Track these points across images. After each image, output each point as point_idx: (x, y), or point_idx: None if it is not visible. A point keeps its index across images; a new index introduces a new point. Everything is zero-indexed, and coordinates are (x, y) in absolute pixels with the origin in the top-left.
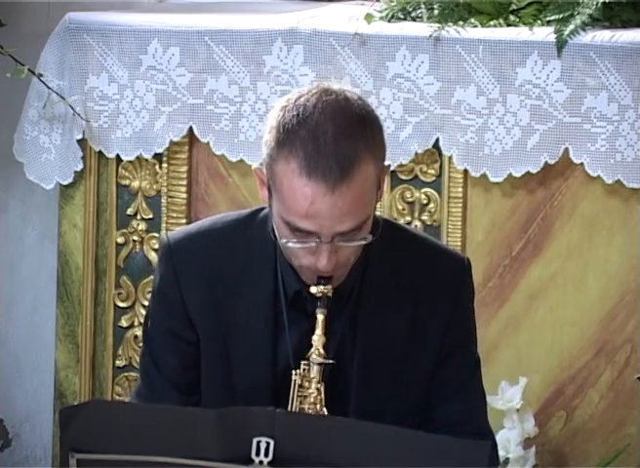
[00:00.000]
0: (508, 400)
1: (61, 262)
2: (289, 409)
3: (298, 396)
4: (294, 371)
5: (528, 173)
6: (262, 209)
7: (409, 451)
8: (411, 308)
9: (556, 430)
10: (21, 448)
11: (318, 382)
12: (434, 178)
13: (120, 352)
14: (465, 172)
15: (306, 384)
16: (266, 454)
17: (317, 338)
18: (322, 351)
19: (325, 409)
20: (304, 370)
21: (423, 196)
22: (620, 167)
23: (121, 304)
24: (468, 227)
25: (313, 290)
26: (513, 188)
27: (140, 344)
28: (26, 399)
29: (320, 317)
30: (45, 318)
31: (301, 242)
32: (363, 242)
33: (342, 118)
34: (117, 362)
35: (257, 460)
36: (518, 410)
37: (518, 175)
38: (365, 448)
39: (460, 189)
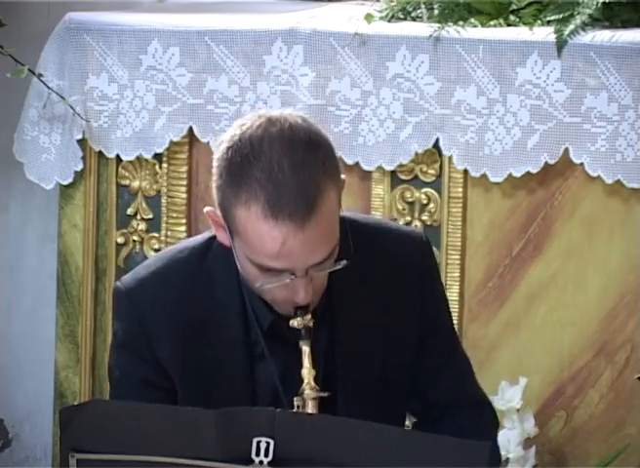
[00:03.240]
0: (508, 400)
1: (61, 262)
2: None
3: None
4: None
5: (528, 173)
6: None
7: (409, 451)
8: (382, 305)
9: (556, 430)
10: (21, 448)
11: None
12: (434, 178)
13: None
14: (465, 172)
15: None
16: (266, 454)
17: (307, 372)
18: (314, 384)
19: None
20: (298, 406)
21: (423, 196)
22: (619, 167)
23: None
24: (468, 227)
25: (294, 323)
26: (513, 188)
27: None
28: (26, 399)
29: (306, 349)
30: (45, 318)
31: (275, 280)
32: (338, 267)
33: (294, 149)
34: None
35: (257, 460)
36: (518, 410)
37: (518, 175)
38: (365, 448)
39: (460, 189)
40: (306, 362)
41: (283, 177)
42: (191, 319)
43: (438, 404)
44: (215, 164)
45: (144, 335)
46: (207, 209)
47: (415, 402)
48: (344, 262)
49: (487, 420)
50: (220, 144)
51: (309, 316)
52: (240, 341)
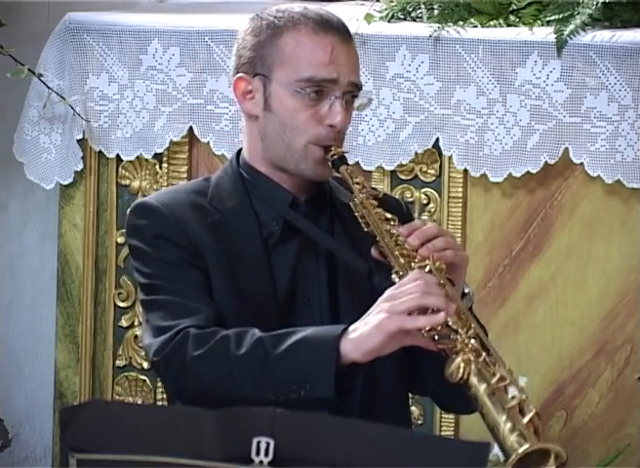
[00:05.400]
0: None
1: (61, 262)
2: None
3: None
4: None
5: (528, 173)
6: (210, 177)
7: (408, 451)
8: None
9: (556, 430)
10: (21, 448)
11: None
12: (434, 178)
13: (120, 352)
14: (465, 172)
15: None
16: (266, 454)
17: (358, 179)
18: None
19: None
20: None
21: (423, 196)
22: (619, 167)
23: (121, 304)
24: (468, 227)
25: (330, 151)
26: (513, 188)
27: (141, 344)
28: (26, 399)
29: (346, 168)
30: (45, 318)
31: (317, 102)
32: (362, 97)
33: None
34: (117, 362)
35: (257, 460)
36: None
37: (518, 175)
38: (365, 448)
39: (460, 189)
40: (347, 175)
41: (321, 11)
42: (209, 216)
43: None
44: (240, 41)
45: (175, 220)
46: (236, 76)
47: None
48: (369, 99)
49: None
50: (240, 29)
51: (343, 148)
52: (255, 235)
